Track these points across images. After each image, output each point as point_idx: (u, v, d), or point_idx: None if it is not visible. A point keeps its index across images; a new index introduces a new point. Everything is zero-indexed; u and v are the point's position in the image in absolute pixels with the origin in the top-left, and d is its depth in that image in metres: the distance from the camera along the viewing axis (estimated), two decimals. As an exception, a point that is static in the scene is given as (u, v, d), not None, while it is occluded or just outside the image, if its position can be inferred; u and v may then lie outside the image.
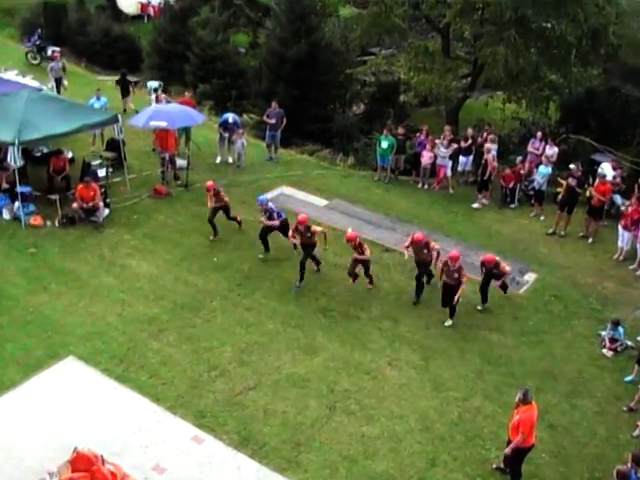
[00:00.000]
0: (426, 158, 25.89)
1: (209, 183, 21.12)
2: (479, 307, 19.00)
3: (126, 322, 17.56)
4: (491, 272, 18.86)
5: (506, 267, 19.10)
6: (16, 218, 21.40)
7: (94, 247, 20.44)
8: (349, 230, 19.71)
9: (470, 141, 25.93)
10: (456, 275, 17.75)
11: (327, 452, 14.49)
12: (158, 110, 24.34)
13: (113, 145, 24.99)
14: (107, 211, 21.81)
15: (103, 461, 13.16)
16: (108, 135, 25.74)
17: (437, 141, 25.87)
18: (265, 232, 20.40)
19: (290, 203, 23.22)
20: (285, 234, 20.24)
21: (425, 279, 19.20)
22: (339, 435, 14.88)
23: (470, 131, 26.51)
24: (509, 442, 13.68)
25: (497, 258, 18.95)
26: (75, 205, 21.25)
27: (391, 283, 19.91)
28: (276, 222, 20.16)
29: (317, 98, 33.94)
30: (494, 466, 14.29)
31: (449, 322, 18.30)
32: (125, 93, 30.22)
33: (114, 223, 21.65)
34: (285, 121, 26.77)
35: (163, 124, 23.14)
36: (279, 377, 16.19)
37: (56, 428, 14.48)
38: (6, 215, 21.63)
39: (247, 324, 17.65)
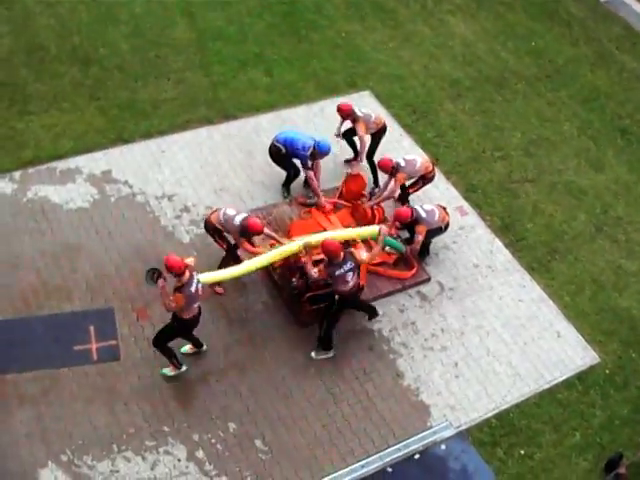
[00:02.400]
0: None
1: None
2: None
3: (429, 76, 16.77)
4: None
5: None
6: None
7: (419, -10, 19.34)
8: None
9: None
10: None
11: (579, 269, 13.52)
12: None
13: None
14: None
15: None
16: None
17: None
18: None
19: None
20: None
21: None
22: (596, 258, 13.80)
23: None
24: None
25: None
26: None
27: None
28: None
29: None
30: None
31: None
32: None
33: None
34: None
35: None
36: (558, 180, 15.03)
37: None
38: None
39: (544, 118, 16.31)
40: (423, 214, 12.17)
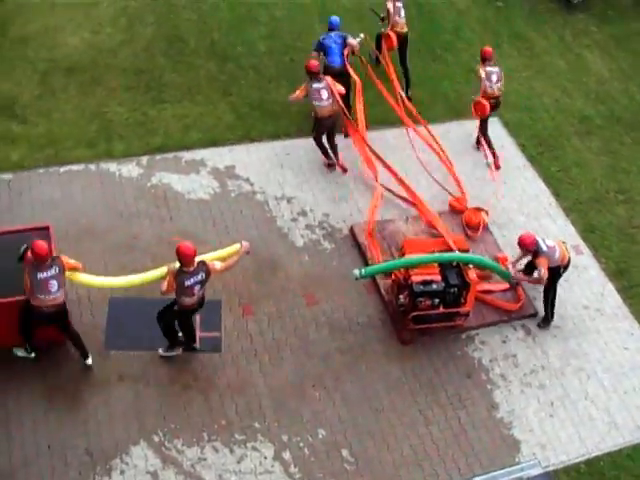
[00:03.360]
0: None
1: None
2: None
3: (559, 109, 16.48)
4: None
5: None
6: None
7: (558, 27, 18.95)
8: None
9: None
10: None
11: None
12: None
13: None
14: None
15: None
16: None
17: None
18: None
19: None
20: None
21: None
22: None
23: None
24: None
25: None
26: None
27: None
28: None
29: None
30: None
31: None
32: None
33: (590, 10, 19.72)
34: None
35: None
36: (679, 230, 14.53)
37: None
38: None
39: (673, 166, 15.83)
40: (544, 247, 11.64)
